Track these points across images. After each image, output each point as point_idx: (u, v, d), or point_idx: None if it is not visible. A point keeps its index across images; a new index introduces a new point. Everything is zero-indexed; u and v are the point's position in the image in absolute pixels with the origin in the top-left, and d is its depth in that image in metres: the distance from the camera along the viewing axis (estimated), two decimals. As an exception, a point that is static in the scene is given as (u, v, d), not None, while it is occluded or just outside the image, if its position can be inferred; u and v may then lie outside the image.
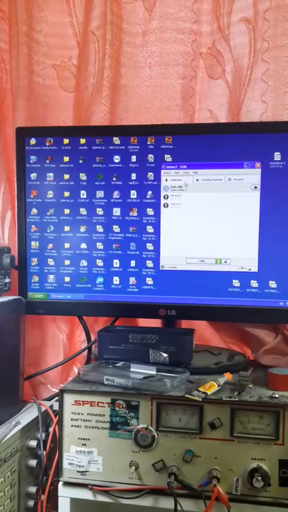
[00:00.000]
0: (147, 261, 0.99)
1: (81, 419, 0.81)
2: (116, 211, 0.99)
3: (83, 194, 1.00)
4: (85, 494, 0.80)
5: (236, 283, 0.96)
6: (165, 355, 0.88)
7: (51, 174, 1.01)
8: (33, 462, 0.88)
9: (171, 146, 0.97)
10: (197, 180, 0.96)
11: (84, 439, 0.80)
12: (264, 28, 1.04)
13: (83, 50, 1.14)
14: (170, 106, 1.12)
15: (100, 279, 1.00)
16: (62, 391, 0.81)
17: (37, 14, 1.14)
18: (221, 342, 1.12)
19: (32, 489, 0.88)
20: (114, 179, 0.99)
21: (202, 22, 1.10)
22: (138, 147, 0.98)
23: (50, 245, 1.02)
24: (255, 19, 1.05)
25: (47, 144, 1.01)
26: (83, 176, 1.00)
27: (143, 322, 1.14)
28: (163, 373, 0.84)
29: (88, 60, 1.13)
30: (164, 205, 0.97)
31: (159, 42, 1.11)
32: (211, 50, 1.09)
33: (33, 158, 1.02)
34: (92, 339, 1.09)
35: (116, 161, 0.99)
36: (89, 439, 0.80)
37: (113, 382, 0.81)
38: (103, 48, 1.12)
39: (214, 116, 1.10)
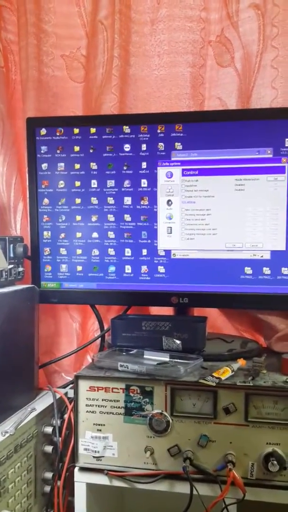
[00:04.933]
0: (159, 250, 0.99)
1: (96, 405, 0.81)
2: (127, 200, 0.99)
3: (94, 183, 1.01)
4: (101, 479, 0.81)
5: (248, 270, 0.96)
6: (178, 342, 0.88)
7: (62, 164, 1.02)
8: (48, 448, 0.89)
9: (181, 134, 0.97)
10: (208, 167, 0.96)
11: (99, 424, 0.81)
12: (273, 13, 1.03)
13: (91, 40, 1.14)
14: (180, 95, 1.11)
15: (112, 268, 1.01)
16: (77, 377, 0.82)
17: (45, 4, 1.15)
18: (233, 330, 1.12)
19: (48, 475, 0.89)
20: (125, 168, 0.99)
21: (210, 10, 1.09)
22: (148, 135, 0.98)
23: (62, 235, 1.02)
24: (264, 4, 1.04)
25: (58, 134, 1.02)
26: (93, 166, 1.00)
27: (155, 311, 1.14)
28: (176, 360, 0.85)
29: (96, 50, 1.13)
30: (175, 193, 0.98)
31: (167, 30, 1.11)
32: (220, 38, 1.09)
33: (43, 148, 1.02)
34: (105, 327, 1.10)
35: (127, 150, 0.99)
36: (104, 425, 0.81)
37: (127, 368, 0.82)
38: (111, 37, 1.12)
39: (224, 104, 1.09)
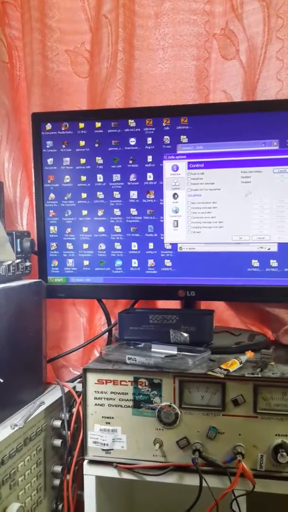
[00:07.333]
0: (166, 243, 0.99)
1: (104, 398, 0.81)
2: (133, 194, 0.99)
3: (99, 177, 1.01)
4: (110, 472, 0.81)
5: (255, 263, 0.95)
6: (185, 335, 0.88)
7: (68, 159, 1.02)
8: (57, 442, 0.89)
9: (186, 127, 0.97)
10: (214, 160, 0.96)
11: (108, 417, 0.81)
12: (278, 4, 1.03)
13: (95, 34, 1.14)
14: (184, 88, 1.11)
15: (118, 262, 1.01)
16: (85, 370, 0.82)
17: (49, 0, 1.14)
18: (240, 323, 1.12)
19: (58, 468, 0.89)
20: (131, 162, 0.99)
21: (214, 2, 1.09)
22: (153, 129, 0.98)
23: (69, 230, 1.02)
24: (269, -5, 1.04)
25: (63, 128, 1.02)
26: (99, 160, 1.00)
27: (162, 304, 1.14)
28: (184, 353, 0.85)
29: (101, 44, 1.13)
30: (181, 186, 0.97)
31: (172, 23, 1.11)
32: (225, 31, 1.08)
33: (49, 143, 1.02)
34: (112, 322, 1.10)
35: (132, 143, 0.99)
36: (113, 418, 0.81)
37: (135, 361, 0.82)
38: (115, 31, 1.12)
39: (229, 96, 1.09)
